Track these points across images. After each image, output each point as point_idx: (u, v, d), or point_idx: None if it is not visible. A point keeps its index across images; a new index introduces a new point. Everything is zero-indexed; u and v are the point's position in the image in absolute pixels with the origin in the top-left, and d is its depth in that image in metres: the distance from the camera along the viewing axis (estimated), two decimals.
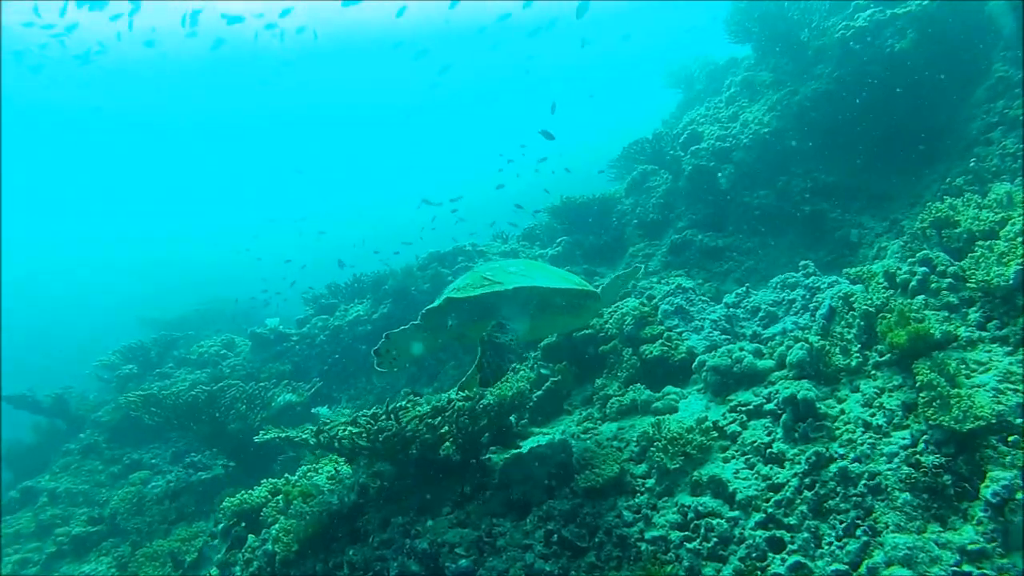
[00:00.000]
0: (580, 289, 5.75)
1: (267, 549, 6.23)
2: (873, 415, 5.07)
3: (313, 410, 10.53)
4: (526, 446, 6.52)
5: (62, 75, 39.16)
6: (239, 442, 9.56)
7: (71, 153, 53.11)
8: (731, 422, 5.74)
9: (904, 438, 4.74)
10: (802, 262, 7.59)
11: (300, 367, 12.11)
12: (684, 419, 5.83)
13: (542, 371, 7.96)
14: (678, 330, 6.91)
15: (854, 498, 4.57)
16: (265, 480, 7.37)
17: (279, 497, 6.63)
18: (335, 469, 6.95)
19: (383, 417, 5.57)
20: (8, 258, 58.39)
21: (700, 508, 5.01)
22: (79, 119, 46.87)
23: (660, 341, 6.74)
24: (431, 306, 5.55)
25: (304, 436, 5.58)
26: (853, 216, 9.20)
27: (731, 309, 7.13)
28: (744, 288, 7.43)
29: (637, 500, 5.34)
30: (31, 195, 59.23)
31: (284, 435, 5.60)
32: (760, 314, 7.00)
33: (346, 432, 5.37)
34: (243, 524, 6.97)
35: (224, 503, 7.06)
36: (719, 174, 10.27)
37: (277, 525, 6.22)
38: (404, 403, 5.67)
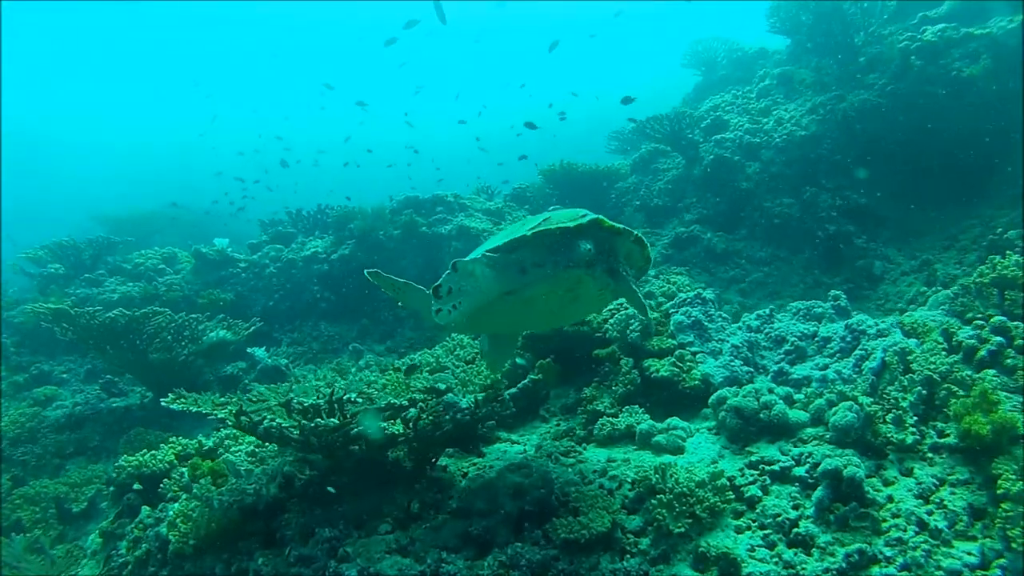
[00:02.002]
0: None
1: (160, 532, 4.81)
2: (931, 513, 3.96)
3: (249, 349, 9.07)
4: (491, 455, 5.20)
5: None
6: (161, 373, 7.99)
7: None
8: (750, 482, 4.54)
9: (971, 553, 3.67)
10: (832, 292, 6.39)
11: (243, 298, 10.49)
12: (694, 467, 4.55)
13: (518, 360, 6.55)
14: (692, 349, 5.58)
15: None
16: (173, 438, 5.85)
17: (185, 469, 5.13)
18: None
19: (325, 411, 4.10)
20: None
21: None
22: None
23: (671, 360, 5.40)
24: (558, 225, 3.75)
25: (221, 414, 4.08)
26: (879, 246, 8.01)
27: (752, 333, 5.81)
28: (767, 310, 6.12)
29: (626, 564, 4.04)
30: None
31: (197, 409, 4.10)
32: (786, 346, 5.72)
33: (275, 423, 3.89)
34: (140, 487, 5.47)
35: (121, 460, 5.55)
36: (742, 171, 8.87)
37: (177, 505, 4.84)
38: (354, 396, 4.18)
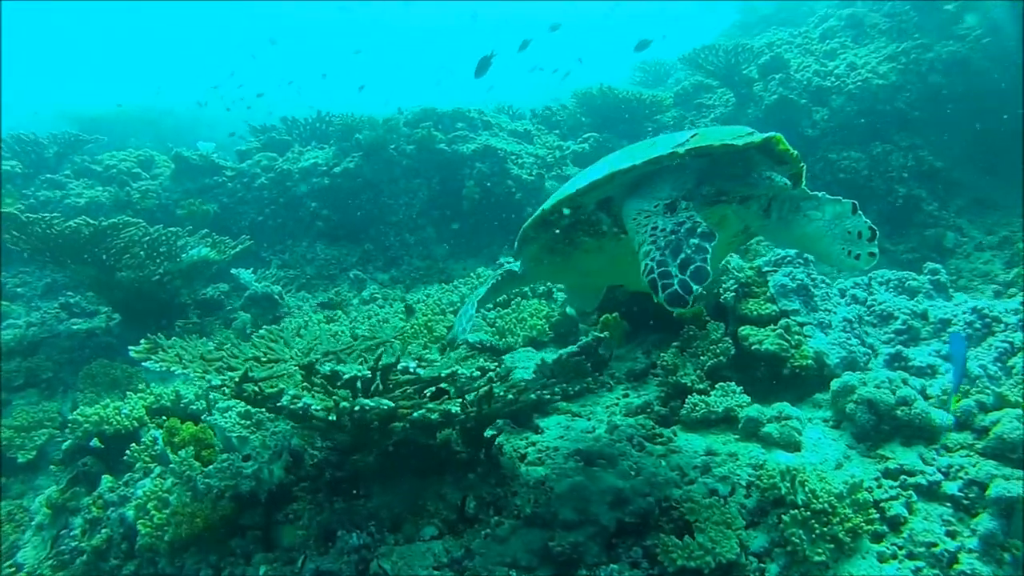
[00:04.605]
0: None
1: (126, 516, 3.40)
2: None
3: (233, 271, 7.46)
4: (551, 432, 3.95)
5: None
6: (130, 294, 6.43)
7: None
8: (891, 497, 3.38)
9: None
10: (929, 265, 5.20)
11: (228, 210, 8.79)
12: (826, 473, 3.30)
13: (568, 311, 5.22)
14: (798, 319, 4.28)
15: None
16: (143, 385, 4.38)
17: (160, 432, 3.69)
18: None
19: (364, 379, 2.69)
20: None
21: None
22: None
23: (777, 330, 4.10)
24: (721, 142, 2.57)
25: (217, 380, 2.62)
26: (951, 216, 6.84)
27: (858, 305, 4.56)
28: (866, 278, 4.87)
29: None
30: None
31: (182, 371, 2.65)
32: (895, 324, 4.51)
33: (299, 404, 2.45)
34: (100, 446, 4.04)
35: (76, 413, 4.07)
36: (808, 116, 7.49)
37: (149, 482, 3.41)
38: (412, 365, 2.76)
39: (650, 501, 3.09)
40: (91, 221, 5.77)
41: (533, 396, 3.00)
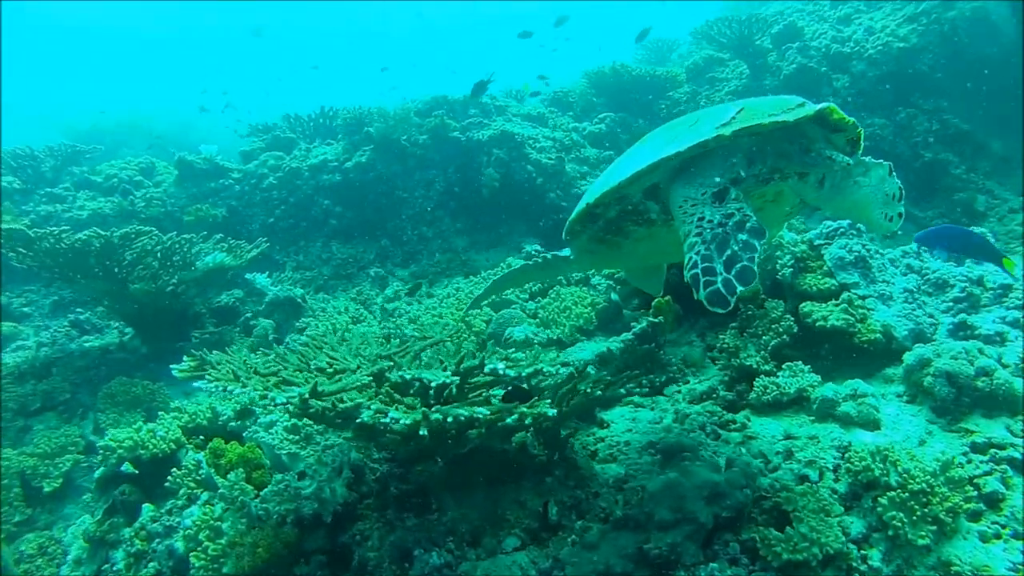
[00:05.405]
0: None
1: (174, 548, 3.12)
2: None
3: (248, 275, 7.14)
4: (618, 425, 3.71)
5: None
6: (144, 306, 6.13)
7: None
8: (985, 473, 3.19)
9: None
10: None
11: (237, 213, 8.46)
12: (913, 451, 3.09)
13: (612, 296, 4.97)
14: (858, 292, 4.06)
15: None
16: (175, 406, 4.08)
17: (202, 454, 3.40)
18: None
19: (440, 385, 2.45)
20: None
21: None
22: None
23: (841, 305, 3.89)
24: (771, 119, 2.35)
25: (281, 398, 2.35)
26: (979, 178, 6.64)
27: (914, 274, 4.35)
28: (914, 246, 4.66)
29: None
30: None
31: (240, 389, 2.37)
32: (953, 292, 4.29)
33: (385, 420, 2.19)
34: (131, 470, 3.75)
35: (107, 438, 3.79)
36: (829, 84, 7.27)
37: (197, 512, 3.14)
38: (500, 367, 2.51)
39: (747, 493, 2.88)
40: (101, 232, 5.46)
41: (622, 390, 2.76)
